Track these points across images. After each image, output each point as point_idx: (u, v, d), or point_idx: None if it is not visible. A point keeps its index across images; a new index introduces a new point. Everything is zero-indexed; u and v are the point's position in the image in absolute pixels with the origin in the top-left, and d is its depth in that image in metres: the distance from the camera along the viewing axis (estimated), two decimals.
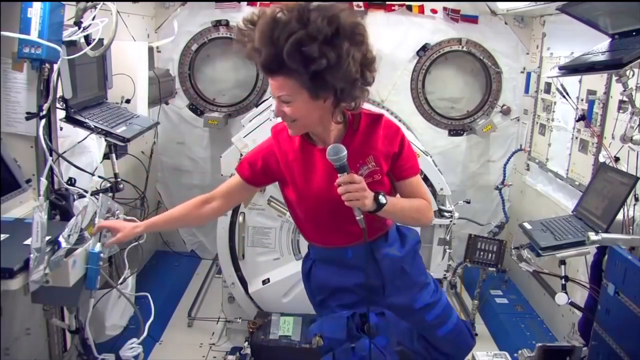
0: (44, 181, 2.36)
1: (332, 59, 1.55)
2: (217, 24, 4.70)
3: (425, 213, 1.92)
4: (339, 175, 1.70)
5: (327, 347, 2.06)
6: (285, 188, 1.98)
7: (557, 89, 3.70)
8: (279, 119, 1.82)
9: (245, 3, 4.66)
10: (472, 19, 4.67)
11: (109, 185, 2.86)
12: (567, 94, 3.56)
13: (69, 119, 2.72)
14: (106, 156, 3.01)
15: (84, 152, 2.97)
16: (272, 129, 1.95)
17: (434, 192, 3.29)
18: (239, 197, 2.08)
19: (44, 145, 2.38)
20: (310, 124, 1.78)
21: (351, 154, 1.72)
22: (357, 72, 1.63)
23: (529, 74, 4.62)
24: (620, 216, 2.63)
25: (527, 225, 2.99)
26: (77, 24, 2.53)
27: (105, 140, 2.87)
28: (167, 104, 4.79)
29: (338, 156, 1.67)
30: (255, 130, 3.19)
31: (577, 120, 3.58)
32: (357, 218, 1.74)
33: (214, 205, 1.99)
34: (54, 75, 2.42)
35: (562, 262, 2.71)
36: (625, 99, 2.56)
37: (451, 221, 3.32)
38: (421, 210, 1.90)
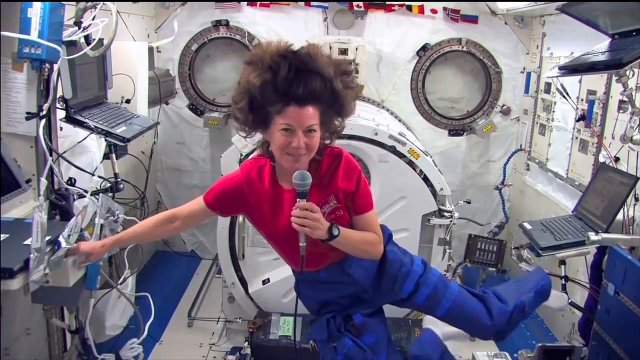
0: (44, 181, 2.35)
1: (352, 97, 1.85)
2: (217, 24, 4.70)
3: (375, 246, 1.99)
4: (298, 200, 1.78)
5: (319, 349, 2.16)
6: (254, 222, 2.06)
7: (557, 89, 3.70)
8: None
9: (245, 3, 4.67)
10: (472, 19, 4.67)
11: (109, 185, 2.86)
12: (567, 94, 3.56)
13: (69, 119, 2.73)
14: (106, 156, 3.01)
15: (84, 152, 2.97)
16: (241, 167, 2.01)
17: (434, 192, 3.29)
18: (201, 220, 2.15)
19: (44, 145, 2.38)
20: (312, 156, 1.86)
21: (314, 193, 1.84)
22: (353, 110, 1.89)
23: (529, 74, 4.62)
24: (620, 216, 2.63)
25: (527, 225, 2.99)
26: (77, 24, 2.53)
27: (105, 140, 2.87)
28: (167, 104, 4.79)
29: (304, 182, 1.76)
30: None
31: (577, 120, 3.58)
32: (301, 244, 1.81)
33: (176, 225, 2.07)
34: (54, 75, 2.42)
35: (562, 262, 2.72)
36: (625, 99, 2.56)
37: (451, 221, 3.32)
38: (372, 243, 1.98)
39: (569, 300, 2.67)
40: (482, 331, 2.23)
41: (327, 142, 1.92)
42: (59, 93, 2.61)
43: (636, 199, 2.62)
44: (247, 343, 3.33)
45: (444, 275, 2.26)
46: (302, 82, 1.70)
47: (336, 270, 2.03)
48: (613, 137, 3.09)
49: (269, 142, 1.87)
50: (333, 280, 2.05)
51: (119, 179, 2.91)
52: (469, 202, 4.19)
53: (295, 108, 1.73)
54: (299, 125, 1.74)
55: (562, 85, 3.59)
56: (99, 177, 2.86)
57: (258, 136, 1.93)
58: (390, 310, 2.28)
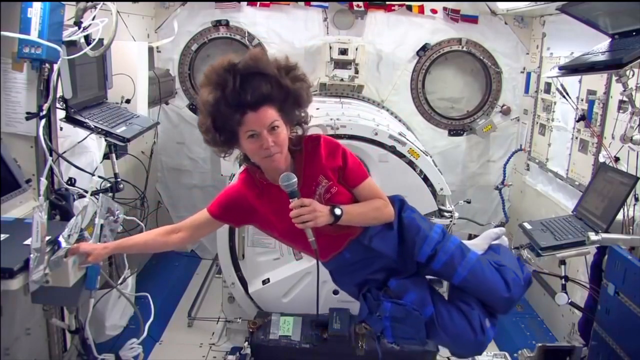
0: (44, 181, 2.36)
1: (304, 87, 1.93)
2: (217, 24, 4.70)
3: (383, 210, 2.05)
4: (290, 200, 1.87)
5: (371, 327, 2.24)
6: (262, 226, 2.13)
7: (557, 89, 3.70)
8: None
9: (245, 3, 4.67)
10: (472, 19, 4.68)
11: (109, 185, 2.86)
12: (567, 94, 3.56)
13: (69, 119, 2.73)
14: (106, 156, 3.01)
15: (84, 152, 2.98)
16: (239, 177, 2.12)
17: (434, 192, 3.29)
18: (206, 232, 2.19)
19: (44, 145, 2.38)
20: (285, 151, 1.93)
21: (305, 179, 1.93)
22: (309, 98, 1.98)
23: (529, 74, 4.62)
24: (620, 216, 2.63)
25: (527, 225, 2.98)
26: (77, 24, 2.53)
27: (105, 140, 2.87)
28: (167, 104, 4.79)
29: (290, 182, 1.86)
30: None
31: (577, 121, 3.58)
32: (310, 240, 1.89)
33: (180, 236, 2.11)
34: (54, 75, 2.42)
35: (562, 262, 2.71)
36: (625, 99, 2.56)
37: (451, 221, 3.31)
38: (379, 208, 2.04)
39: (569, 300, 2.67)
40: (500, 302, 2.18)
41: (300, 132, 2.00)
42: (59, 93, 2.61)
43: (636, 199, 2.62)
44: (247, 343, 3.33)
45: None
46: (249, 89, 1.79)
47: (358, 248, 2.07)
48: (613, 137, 3.09)
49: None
50: (359, 259, 2.10)
51: (119, 179, 2.91)
52: (469, 202, 4.19)
53: (252, 114, 1.81)
54: (261, 127, 1.83)
55: (562, 85, 3.59)
56: (99, 177, 2.86)
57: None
58: None
